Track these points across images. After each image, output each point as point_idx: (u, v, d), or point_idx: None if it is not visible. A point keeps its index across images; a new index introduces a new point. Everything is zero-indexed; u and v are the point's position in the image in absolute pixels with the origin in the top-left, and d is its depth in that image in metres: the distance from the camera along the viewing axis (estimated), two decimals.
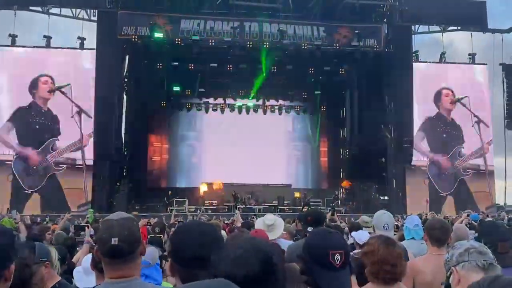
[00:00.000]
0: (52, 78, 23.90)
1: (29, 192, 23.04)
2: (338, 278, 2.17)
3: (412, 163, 25.30)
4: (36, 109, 23.78)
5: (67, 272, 3.91)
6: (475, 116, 26.18)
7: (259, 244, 1.50)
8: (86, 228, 5.53)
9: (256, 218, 8.26)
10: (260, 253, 1.46)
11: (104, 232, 2.08)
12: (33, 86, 23.84)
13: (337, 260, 2.16)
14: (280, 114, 31.92)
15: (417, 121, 25.56)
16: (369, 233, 4.85)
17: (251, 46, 24.46)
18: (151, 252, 3.78)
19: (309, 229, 4.11)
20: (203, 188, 27.53)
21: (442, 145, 26.11)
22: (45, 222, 12.41)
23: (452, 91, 26.37)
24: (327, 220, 9.40)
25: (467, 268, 2.07)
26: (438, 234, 3.65)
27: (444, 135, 26.19)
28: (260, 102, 31.33)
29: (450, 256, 2.16)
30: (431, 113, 26.27)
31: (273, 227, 4.77)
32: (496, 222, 6.42)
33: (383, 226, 4.47)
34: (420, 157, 25.78)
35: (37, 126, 23.72)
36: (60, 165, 23.61)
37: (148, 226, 8.10)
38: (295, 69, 27.36)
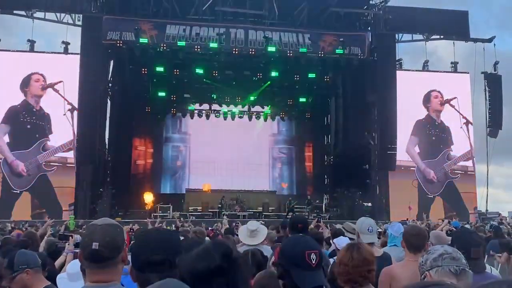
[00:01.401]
0: (43, 76, 23.80)
1: (18, 191, 22.82)
2: (315, 277, 2.26)
3: (401, 163, 25.51)
4: (27, 108, 23.63)
5: (48, 279, 3.89)
6: (463, 117, 26.57)
7: (219, 241, 1.57)
8: (70, 238, 5.50)
9: (241, 225, 8.28)
10: (220, 247, 1.52)
11: (86, 236, 2.16)
12: (25, 84, 23.71)
13: (313, 260, 2.24)
14: (265, 120, 32.00)
15: (406, 124, 25.74)
16: (351, 239, 4.91)
17: (236, 52, 24.52)
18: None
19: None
20: (188, 195, 27.40)
21: (431, 148, 26.41)
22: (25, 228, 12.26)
23: (441, 93, 26.78)
24: (312, 226, 9.50)
25: (440, 273, 2.12)
26: (414, 241, 3.72)
27: (434, 138, 26.52)
28: (246, 108, 31.39)
29: (424, 261, 2.22)
30: (420, 116, 26.60)
31: (255, 233, 4.81)
32: (468, 229, 6.53)
33: (368, 229, 4.54)
34: (410, 158, 26.09)
35: (29, 126, 23.57)
36: (51, 164, 23.45)
37: (130, 233, 8.06)
38: (280, 76, 27.50)
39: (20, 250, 3.75)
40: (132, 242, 5.83)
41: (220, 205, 24.85)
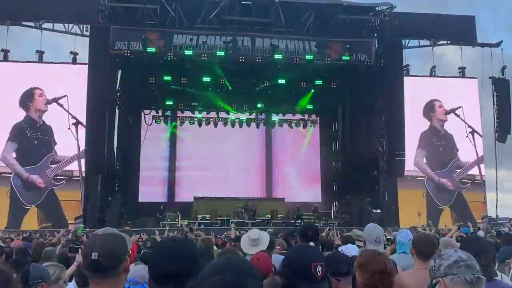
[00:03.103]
0: (43, 91, 23.85)
1: (29, 207, 22.76)
2: None
3: (410, 173, 25.32)
4: (31, 124, 23.56)
5: None
6: (469, 126, 26.35)
7: (232, 275, 1.51)
8: (80, 249, 5.54)
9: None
10: (233, 285, 1.48)
11: (87, 246, 2.18)
12: (28, 99, 23.63)
13: (319, 272, 2.24)
14: (272, 127, 32.01)
15: (410, 136, 25.49)
16: (359, 246, 4.88)
17: (243, 60, 24.60)
18: (140, 270, 3.77)
19: (311, 243, 4.13)
20: (196, 203, 27.38)
21: (439, 159, 26.10)
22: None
23: (442, 103, 26.61)
24: (324, 234, 9.48)
25: (455, 281, 2.10)
26: (424, 248, 3.68)
27: (441, 149, 26.22)
28: (253, 116, 31.44)
29: (437, 266, 2.18)
30: (423, 127, 26.37)
31: (258, 241, 4.77)
32: (477, 235, 6.46)
33: (375, 240, 4.50)
34: (416, 168, 25.87)
35: (35, 142, 23.48)
36: (59, 177, 23.35)
37: (139, 242, 8.08)
38: (287, 83, 27.52)
39: (34, 264, 3.80)
40: (142, 251, 5.84)
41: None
